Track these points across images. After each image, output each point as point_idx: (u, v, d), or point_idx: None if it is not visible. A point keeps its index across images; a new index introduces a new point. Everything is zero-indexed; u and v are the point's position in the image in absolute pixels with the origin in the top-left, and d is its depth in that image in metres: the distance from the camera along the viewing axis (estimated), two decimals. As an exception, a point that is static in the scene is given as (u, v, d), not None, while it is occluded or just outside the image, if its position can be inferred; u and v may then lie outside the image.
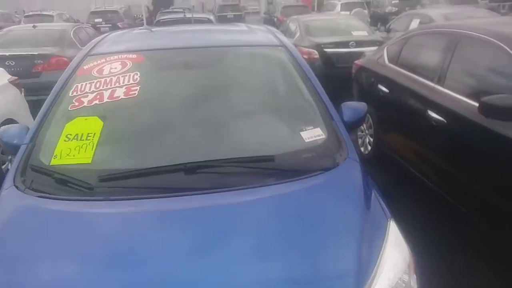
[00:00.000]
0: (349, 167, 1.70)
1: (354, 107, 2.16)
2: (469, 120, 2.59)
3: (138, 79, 2.01)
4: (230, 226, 1.40)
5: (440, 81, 3.09)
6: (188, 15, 7.37)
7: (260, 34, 2.66)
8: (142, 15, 21.01)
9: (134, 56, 2.18)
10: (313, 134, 1.81)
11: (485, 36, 2.80)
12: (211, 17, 7.56)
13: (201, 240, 1.33)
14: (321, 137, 1.81)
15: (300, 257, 1.29)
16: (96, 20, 14.81)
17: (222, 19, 17.89)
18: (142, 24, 18.76)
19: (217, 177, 1.60)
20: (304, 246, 1.32)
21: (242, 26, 3.05)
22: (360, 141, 4.58)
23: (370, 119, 4.24)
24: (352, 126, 2.09)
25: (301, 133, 1.81)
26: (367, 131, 4.43)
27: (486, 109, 2.30)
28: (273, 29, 2.89)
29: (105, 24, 14.80)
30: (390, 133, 3.93)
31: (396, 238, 1.44)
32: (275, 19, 17.00)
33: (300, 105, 2.05)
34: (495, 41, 2.68)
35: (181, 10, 17.49)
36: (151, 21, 21.86)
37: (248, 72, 2.28)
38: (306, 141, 1.78)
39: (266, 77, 2.28)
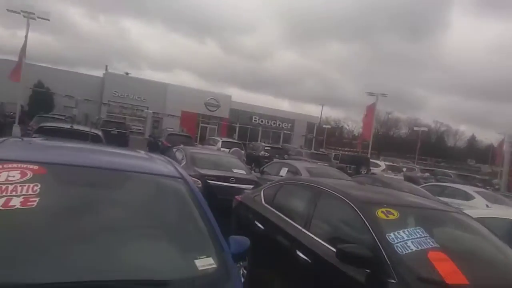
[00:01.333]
0: None
1: (239, 241, 2.43)
2: (329, 262, 3.07)
3: (38, 190, 2.01)
4: None
5: (306, 226, 3.65)
6: (76, 127, 7.31)
7: (161, 163, 2.89)
8: (14, 113, 19.67)
9: (36, 167, 2.19)
10: (206, 263, 2.00)
11: (339, 195, 3.54)
12: (100, 133, 7.60)
13: None
14: (213, 266, 2.00)
15: None
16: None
17: (106, 135, 17.76)
18: (13, 123, 17.40)
19: None
20: None
21: (142, 153, 3.28)
22: (233, 273, 4.75)
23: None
24: (237, 258, 2.34)
25: (195, 261, 1.98)
26: (241, 263, 4.67)
27: (342, 255, 2.80)
28: (172, 160, 3.19)
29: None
30: (263, 267, 4.24)
31: None
32: (160, 143, 17.59)
33: (195, 235, 2.25)
34: (345, 199, 3.41)
35: (64, 118, 16.99)
36: (24, 121, 20.47)
37: (148, 199, 2.44)
38: (199, 269, 1.95)
39: (164, 205, 2.46)
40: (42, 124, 7.66)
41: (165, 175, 2.65)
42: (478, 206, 9.44)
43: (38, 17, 19.33)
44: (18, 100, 18.29)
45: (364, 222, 3.07)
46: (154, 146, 18.06)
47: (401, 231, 2.92)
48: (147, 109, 34.77)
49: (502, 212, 5.49)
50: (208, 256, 2.04)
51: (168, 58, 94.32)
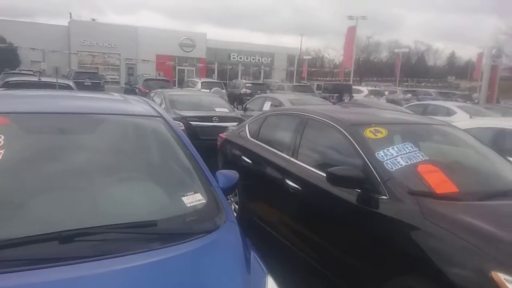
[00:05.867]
0: (229, 229, 1.84)
1: (227, 175, 2.35)
2: (319, 187, 3.06)
3: (2, 142, 1.84)
4: None
5: (294, 155, 3.61)
6: (44, 79, 6.88)
7: (137, 104, 2.71)
8: (-22, 73, 18.58)
9: None
10: (194, 199, 1.92)
11: (325, 120, 3.45)
12: (71, 83, 7.20)
13: None
14: (202, 201, 1.92)
15: None
16: None
17: (79, 86, 17.11)
18: (-22, 83, 16.51)
19: (97, 245, 1.54)
20: None
21: (117, 96, 3.07)
22: (226, 209, 4.80)
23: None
24: (226, 192, 2.27)
25: (183, 198, 1.90)
26: (232, 199, 4.70)
27: (332, 178, 2.78)
28: (149, 100, 3.01)
29: None
30: (254, 200, 4.26)
31: None
32: (137, 90, 17.05)
33: (180, 172, 2.16)
34: (332, 123, 3.33)
35: (31, 72, 16.13)
36: (-10, 80, 19.44)
37: (127, 141, 2.30)
38: (188, 205, 1.87)
39: (145, 145, 2.34)
40: (7, 79, 7.21)
41: (143, 115, 2.50)
42: (461, 120, 9.61)
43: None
44: (-20, 59, 17.19)
45: (353, 143, 3.02)
46: (131, 94, 17.51)
47: (390, 148, 2.89)
48: (119, 56, 33.31)
49: (485, 122, 5.56)
50: (196, 192, 1.96)
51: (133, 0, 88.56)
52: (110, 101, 2.85)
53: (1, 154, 1.78)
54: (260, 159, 4.10)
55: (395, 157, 2.82)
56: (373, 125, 3.19)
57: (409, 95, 23.09)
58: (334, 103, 15.46)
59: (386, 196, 2.58)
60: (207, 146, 5.89)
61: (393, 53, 52.66)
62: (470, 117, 9.08)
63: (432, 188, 2.59)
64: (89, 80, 18.89)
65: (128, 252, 1.51)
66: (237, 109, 10.44)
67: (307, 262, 3.26)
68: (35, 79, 6.66)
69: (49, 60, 28.17)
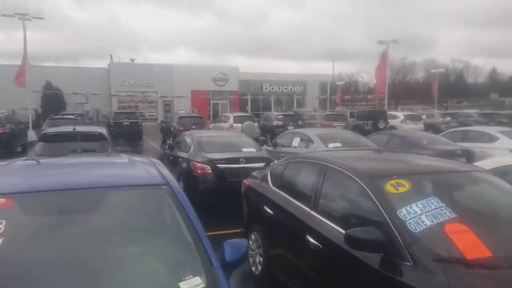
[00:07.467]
0: None
1: (235, 245, 2.23)
2: (341, 248, 2.84)
3: (2, 229, 1.85)
4: None
5: (314, 207, 3.44)
6: (79, 128, 7.18)
7: (144, 170, 2.64)
8: (27, 118, 19.90)
9: (3, 200, 2.03)
10: (193, 284, 1.82)
11: (344, 170, 3.29)
12: (104, 131, 7.44)
13: None
14: (200, 286, 1.82)
15: None
16: (-29, 126, 13.45)
17: (118, 127, 17.85)
18: (27, 128, 17.64)
19: None
20: None
21: (124, 159, 3.07)
22: (251, 260, 4.65)
23: (259, 239, 4.40)
24: (234, 266, 2.15)
25: (180, 284, 1.81)
26: (257, 250, 4.54)
27: (350, 241, 2.58)
28: (157, 161, 2.97)
29: (-18, 130, 13.49)
30: (277, 253, 4.09)
31: None
32: (172, 128, 17.50)
33: (181, 252, 2.07)
34: (351, 175, 3.16)
35: (74, 116, 17.06)
36: (39, 124, 20.77)
37: (128, 217, 2.25)
38: (186, 293, 1.77)
39: (147, 221, 2.24)
40: (45, 132, 7.60)
41: (147, 185, 2.43)
42: (503, 147, 9.06)
43: (32, 17, 18.95)
44: (28, 105, 18.43)
45: (373, 198, 2.83)
46: (167, 132, 18.01)
47: (413, 205, 2.67)
48: (156, 94, 34.66)
49: (528, 157, 5.12)
50: (195, 276, 1.86)
51: (167, 38, 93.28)
52: (116, 168, 2.85)
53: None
54: (281, 211, 3.95)
55: (419, 215, 2.60)
56: (394, 177, 2.99)
57: (448, 118, 22.11)
58: (369, 131, 15.08)
59: (409, 262, 2.36)
60: (234, 188, 5.84)
61: (429, 73, 51.27)
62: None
63: (462, 253, 2.34)
64: (127, 119, 19.59)
65: None
66: (267, 145, 10.39)
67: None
68: (70, 129, 6.95)
69: (92, 101, 29.85)
